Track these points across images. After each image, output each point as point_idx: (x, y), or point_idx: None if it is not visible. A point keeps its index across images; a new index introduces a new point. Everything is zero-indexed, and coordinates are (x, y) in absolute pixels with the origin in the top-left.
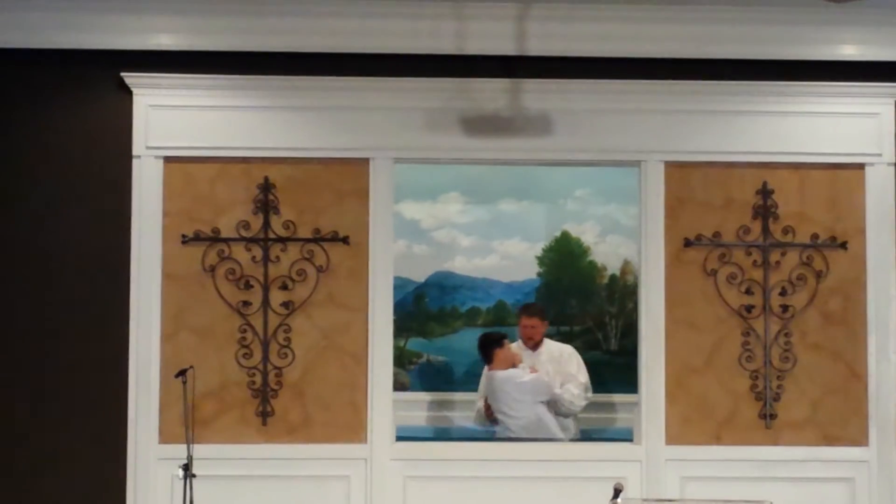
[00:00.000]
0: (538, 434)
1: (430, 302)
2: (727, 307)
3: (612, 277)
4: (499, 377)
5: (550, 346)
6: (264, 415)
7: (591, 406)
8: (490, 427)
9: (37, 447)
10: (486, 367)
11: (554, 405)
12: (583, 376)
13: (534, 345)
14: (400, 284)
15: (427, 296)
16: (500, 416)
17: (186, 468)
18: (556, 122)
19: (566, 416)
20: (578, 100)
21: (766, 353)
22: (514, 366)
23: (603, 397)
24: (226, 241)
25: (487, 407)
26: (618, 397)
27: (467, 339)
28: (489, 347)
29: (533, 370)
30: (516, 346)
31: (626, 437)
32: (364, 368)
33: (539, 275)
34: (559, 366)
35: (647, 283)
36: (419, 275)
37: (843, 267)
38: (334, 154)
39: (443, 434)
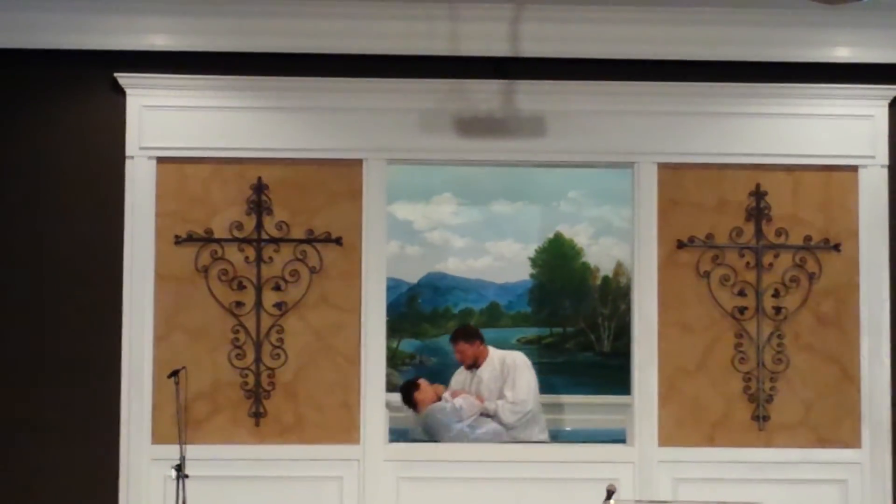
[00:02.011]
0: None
1: (423, 303)
2: (720, 309)
3: (605, 279)
4: (426, 412)
5: (493, 360)
6: (257, 415)
7: (584, 408)
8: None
9: (30, 447)
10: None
11: (495, 418)
12: (515, 391)
13: (469, 366)
14: (393, 285)
15: (420, 297)
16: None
17: (179, 469)
18: (550, 123)
19: (507, 428)
20: (572, 101)
21: (758, 354)
22: (438, 398)
23: (596, 399)
24: (219, 241)
25: None
26: (611, 399)
27: None
28: (408, 395)
29: (456, 393)
30: (428, 385)
31: (619, 438)
32: (357, 369)
33: (532, 276)
34: (502, 379)
35: (640, 285)
36: (412, 276)
37: (836, 269)
38: (327, 155)
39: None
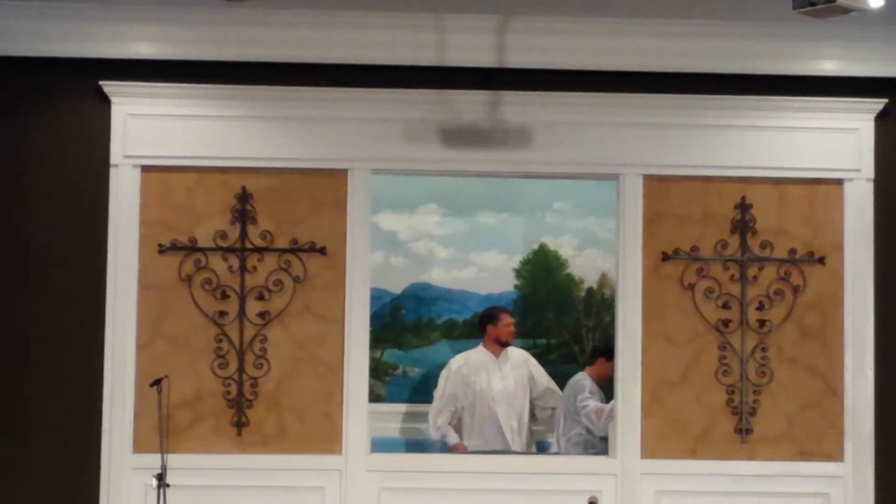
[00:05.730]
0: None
1: (407, 313)
2: (704, 321)
3: (590, 291)
4: (575, 380)
5: (511, 352)
6: (239, 425)
7: None
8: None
9: (10, 455)
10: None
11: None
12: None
13: (503, 344)
14: (377, 295)
15: (404, 307)
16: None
17: (160, 478)
18: (535, 134)
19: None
20: (557, 112)
21: (742, 367)
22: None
23: None
24: (203, 250)
25: None
26: None
27: (444, 351)
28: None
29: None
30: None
31: (602, 450)
32: (340, 379)
33: (516, 287)
34: (526, 372)
35: (624, 297)
36: (396, 286)
37: (821, 282)
38: (312, 164)
39: (418, 446)
